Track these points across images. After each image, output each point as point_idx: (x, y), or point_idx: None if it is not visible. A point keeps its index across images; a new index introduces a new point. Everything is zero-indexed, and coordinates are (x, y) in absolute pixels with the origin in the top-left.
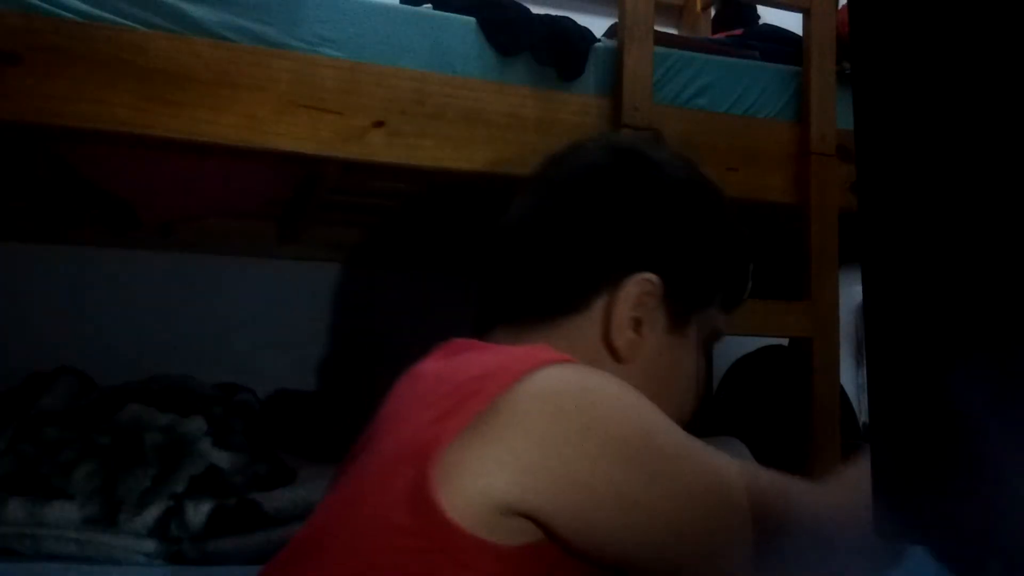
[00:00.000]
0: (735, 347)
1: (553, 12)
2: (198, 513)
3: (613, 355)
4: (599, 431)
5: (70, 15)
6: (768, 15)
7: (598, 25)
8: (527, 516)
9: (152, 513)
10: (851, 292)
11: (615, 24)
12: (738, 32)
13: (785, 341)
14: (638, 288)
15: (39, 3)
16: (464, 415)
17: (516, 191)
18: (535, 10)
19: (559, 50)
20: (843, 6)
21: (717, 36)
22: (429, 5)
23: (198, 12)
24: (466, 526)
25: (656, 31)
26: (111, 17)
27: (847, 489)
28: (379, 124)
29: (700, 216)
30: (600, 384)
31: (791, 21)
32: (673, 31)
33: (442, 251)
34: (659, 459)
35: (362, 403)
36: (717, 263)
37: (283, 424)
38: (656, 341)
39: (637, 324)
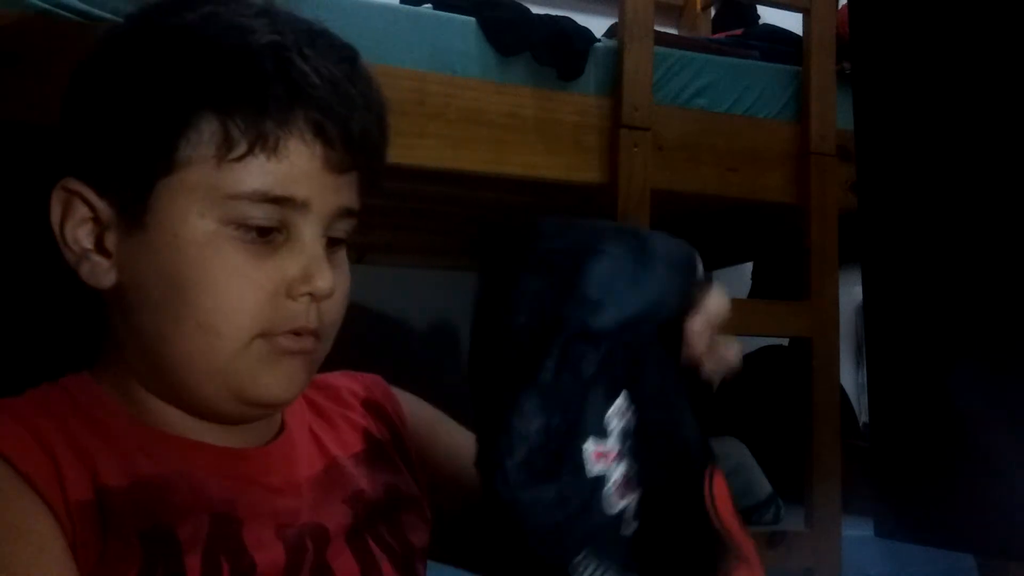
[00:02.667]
0: None
1: (553, 12)
2: None
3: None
4: None
5: (70, 15)
6: (768, 15)
7: (598, 25)
8: None
9: None
10: (851, 292)
11: (615, 24)
12: (738, 32)
13: (785, 341)
14: (57, 200)
15: (39, 3)
16: None
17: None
18: (535, 10)
19: (559, 50)
20: (843, 6)
21: (717, 36)
22: (429, 5)
23: None
24: None
25: (656, 31)
26: (111, 17)
27: None
28: None
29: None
30: None
31: (791, 21)
32: (673, 31)
33: (442, 249)
34: None
35: None
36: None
37: None
38: (125, 251)
39: (94, 244)
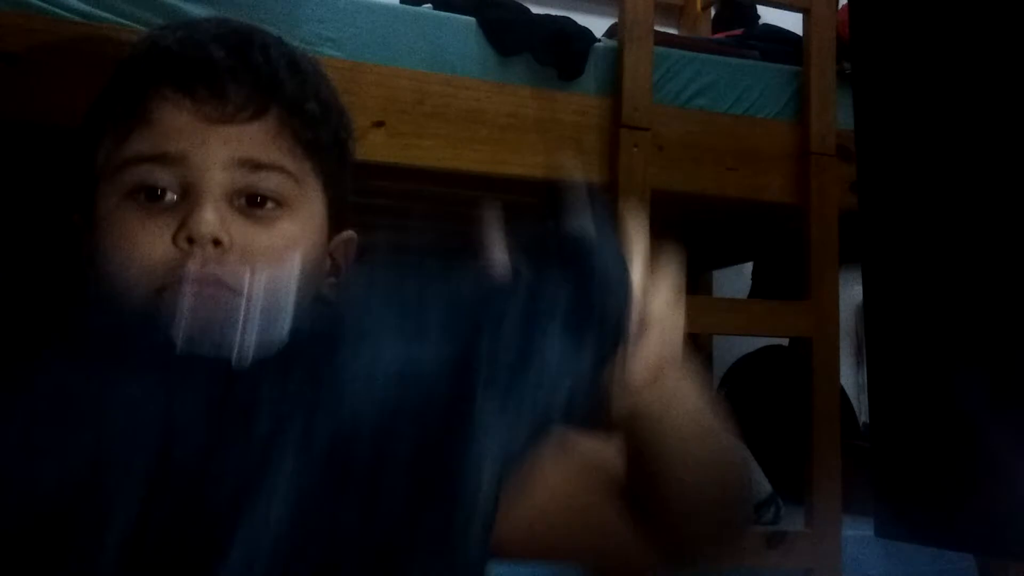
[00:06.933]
0: (735, 347)
1: (553, 12)
2: None
3: None
4: None
5: (70, 15)
6: (768, 15)
7: (598, 25)
8: None
9: None
10: (851, 292)
11: (615, 24)
12: (738, 32)
13: (785, 341)
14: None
15: (39, 3)
16: None
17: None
18: (535, 10)
19: (559, 50)
20: (843, 6)
21: (717, 36)
22: (429, 5)
23: (198, 12)
24: None
25: (656, 31)
26: (111, 17)
27: None
28: (379, 124)
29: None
30: None
31: (791, 21)
32: (673, 31)
33: (442, 249)
34: None
35: None
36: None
37: None
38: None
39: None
